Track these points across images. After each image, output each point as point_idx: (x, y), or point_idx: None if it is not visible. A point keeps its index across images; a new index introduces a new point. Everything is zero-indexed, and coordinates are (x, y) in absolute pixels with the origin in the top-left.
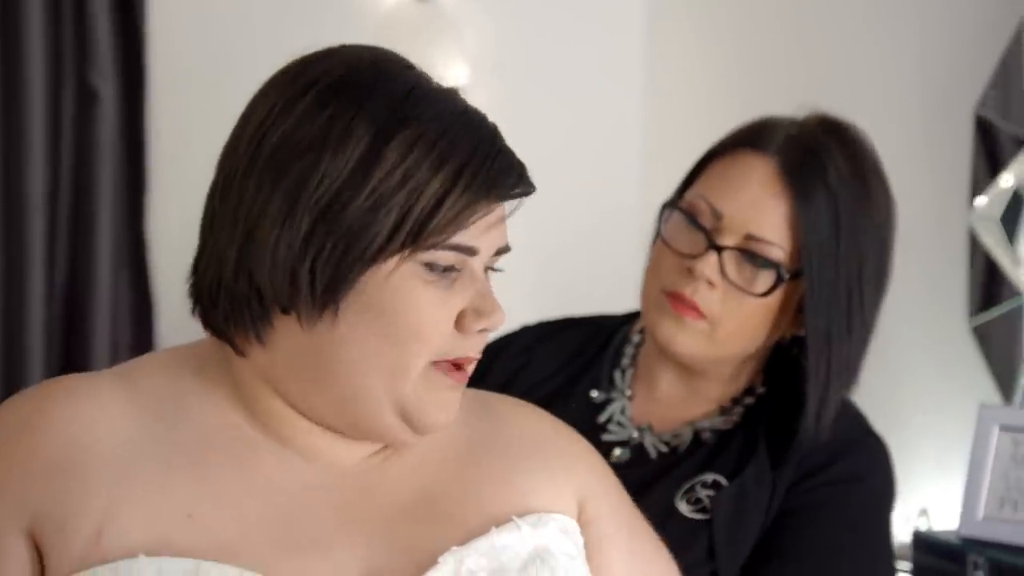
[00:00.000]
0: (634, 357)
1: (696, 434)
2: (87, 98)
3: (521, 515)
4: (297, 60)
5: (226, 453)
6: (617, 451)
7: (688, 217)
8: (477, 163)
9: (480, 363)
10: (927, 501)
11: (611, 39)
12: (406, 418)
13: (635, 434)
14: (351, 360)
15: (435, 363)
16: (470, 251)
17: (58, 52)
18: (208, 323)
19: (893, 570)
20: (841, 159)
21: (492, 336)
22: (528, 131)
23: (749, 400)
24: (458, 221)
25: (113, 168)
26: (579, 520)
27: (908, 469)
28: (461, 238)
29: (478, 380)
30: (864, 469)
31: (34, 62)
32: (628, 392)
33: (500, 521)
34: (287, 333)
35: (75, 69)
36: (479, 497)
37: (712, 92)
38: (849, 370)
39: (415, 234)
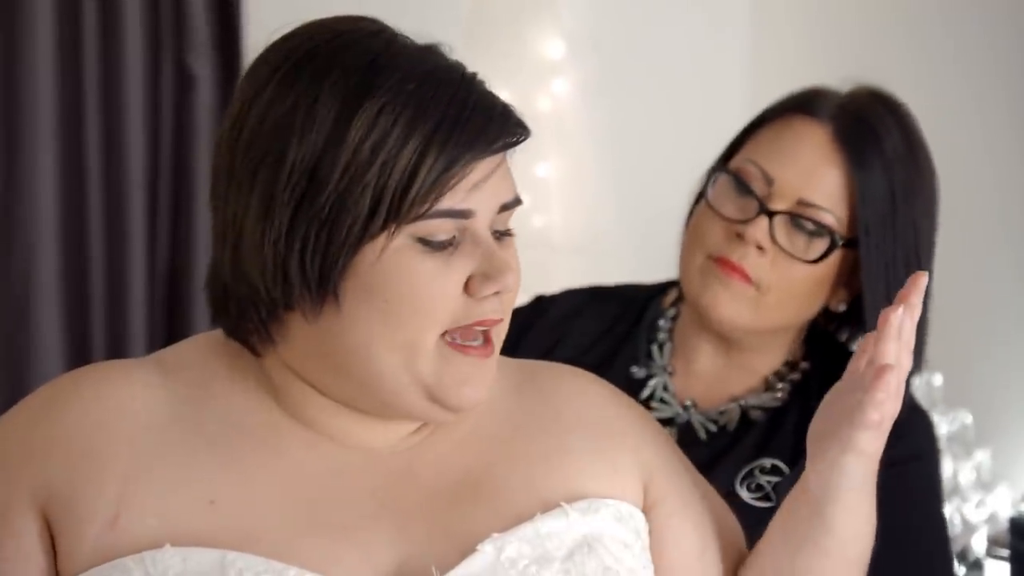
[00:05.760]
0: (670, 331)
1: (744, 412)
2: (185, 81)
3: (571, 500)
4: (269, 45)
5: (253, 438)
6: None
7: (737, 181)
8: (450, 123)
9: (505, 341)
10: None
11: (712, 13)
12: (432, 397)
13: (680, 411)
14: (362, 345)
15: (450, 342)
16: (462, 214)
17: (156, 36)
18: (225, 330)
19: (947, 544)
20: (895, 131)
21: (518, 303)
22: (626, 108)
23: (795, 376)
24: (438, 187)
25: (211, 150)
26: (645, 500)
27: (1012, 454)
28: (448, 203)
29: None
30: (920, 447)
31: (133, 46)
32: (668, 368)
33: (548, 505)
34: (297, 328)
35: (173, 52)
36: (527, 478)
37: (819, 71)
38: (915, 347)
39: (396, 208)
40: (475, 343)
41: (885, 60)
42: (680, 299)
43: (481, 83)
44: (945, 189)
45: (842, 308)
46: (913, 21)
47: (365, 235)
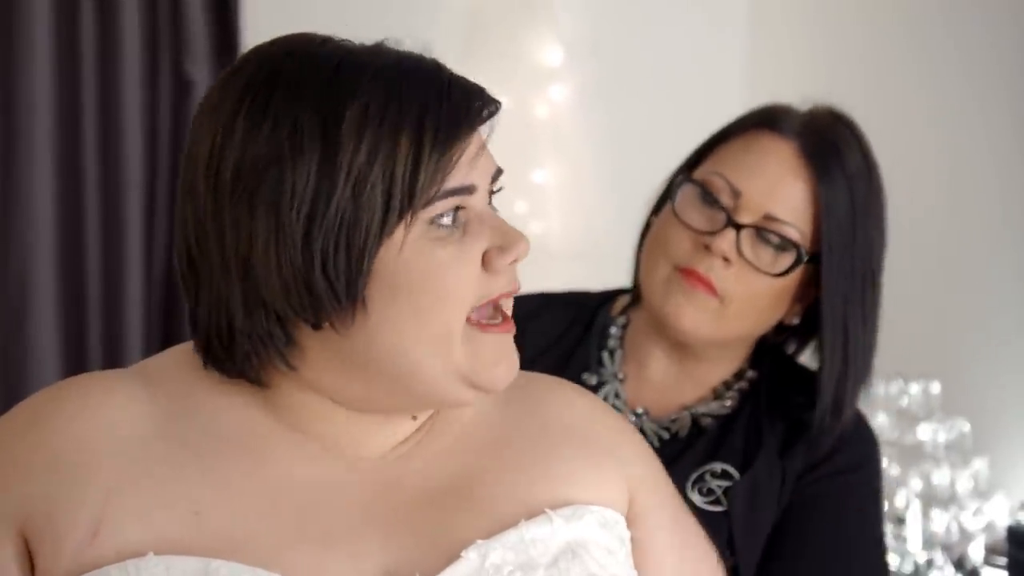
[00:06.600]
0: (621, 339)
1: (695, 420)
2: (182, 86)
3: (556, 506)
4: (216, 82)
5: (239, 448)
6: None
7: (704, 192)
8: (434, 109)
9: None
10: None
11: (710, 19)
12: (468, 382)
13: (633, 419)
14: (394, 344)
15: (475, 322)
16: (468, 190)
17: (154, 40)
18: (225, 370)
19: (886, 553)
20: (855, 148)
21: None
22: (623, 114)
23: (742, 384)
24: (441, 167)
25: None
26: (631, 511)
27: (1010, 462)
28: (453, 182)
29: None
30: (862, 458)
31: (130, 50)
32: (619, 375)
33: (533, 512)
34: (319, 347)
35: (170, 55)
36: (512, 485)
37: (816, 79)
38: (865, 362)
39: (409, 198)
40: (495, 321)
41: (884, 60)
42: (630, 307)
43: (443, 64)
44: (945, 194)
45: (795, 321)
46: (913, 21)
47: (384, 232)
